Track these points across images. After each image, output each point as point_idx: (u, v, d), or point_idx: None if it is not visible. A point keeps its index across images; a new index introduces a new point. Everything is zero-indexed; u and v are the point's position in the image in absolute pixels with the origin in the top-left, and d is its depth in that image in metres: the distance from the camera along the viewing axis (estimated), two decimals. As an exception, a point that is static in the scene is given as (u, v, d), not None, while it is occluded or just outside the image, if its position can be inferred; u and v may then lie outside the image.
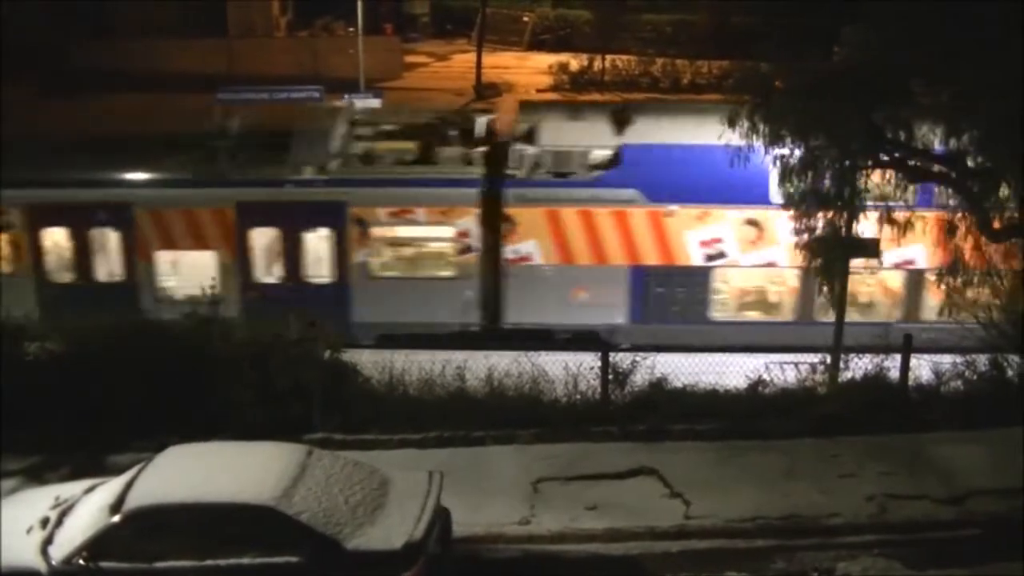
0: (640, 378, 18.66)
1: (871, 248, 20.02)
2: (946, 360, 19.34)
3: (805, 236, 19.26)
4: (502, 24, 56.28)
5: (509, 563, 15.23)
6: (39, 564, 13.19)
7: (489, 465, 17.30)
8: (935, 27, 16.81)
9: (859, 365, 19.06)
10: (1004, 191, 17.76)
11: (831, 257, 19.16)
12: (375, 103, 32.61)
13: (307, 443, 15.48)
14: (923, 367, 19.11)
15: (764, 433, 17.95)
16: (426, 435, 17.88)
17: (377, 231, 24.34)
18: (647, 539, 15.67)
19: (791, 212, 19.33)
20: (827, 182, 18.44)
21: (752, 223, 23.71)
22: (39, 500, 14.54)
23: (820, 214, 18.88)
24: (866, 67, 17.46)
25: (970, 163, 17.88)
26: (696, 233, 23.82)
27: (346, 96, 32.95)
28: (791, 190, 18.79)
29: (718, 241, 23.76)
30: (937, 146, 18.11)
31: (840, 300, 20.02)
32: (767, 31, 21.36)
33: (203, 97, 28.77)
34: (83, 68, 44.57)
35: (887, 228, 19.23)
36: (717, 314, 24.39)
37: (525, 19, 56.96)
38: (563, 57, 50.92)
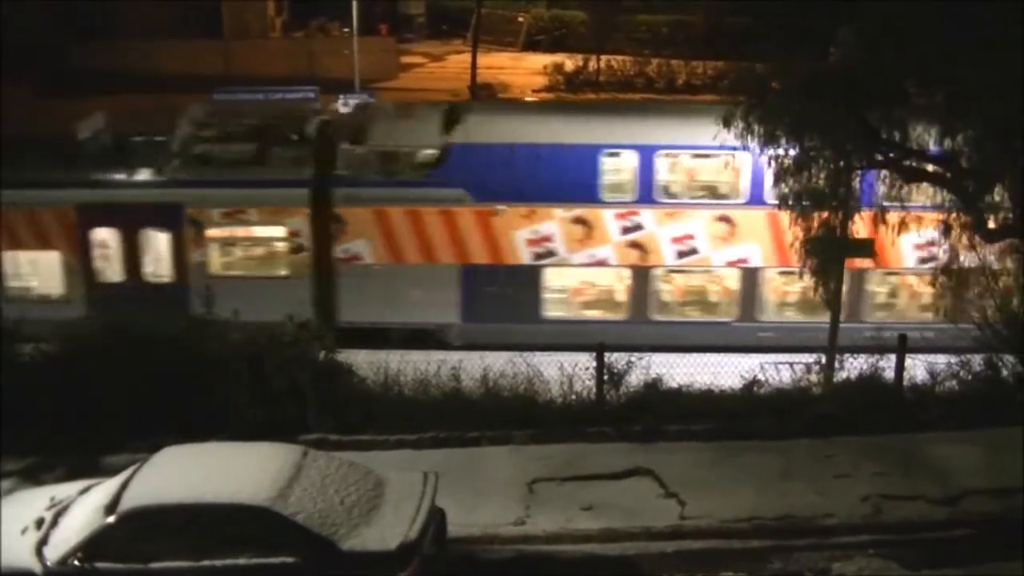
0: (635, 378, 18.65)
1: (866, 248, 20.01)
2: (941, 360, 19.36)
3: (800, 236, 19.24)
4: (497, 25, 56.33)
5: (504, 564, 15.22)
6: (34, 565, 13.18)
7: (484, 466, 17.29)
8: (930, 27, 16.80)
9: (854, 365, 19.08)
10: (999, 192, 17.79)
11: (826, 257, 19.13)
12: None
13: (303, 444, 15.48)
14: (918, 367, 19.11)
15: (759, 433, 17.96)
16: (421, 436, 17.87)
17: (212, 232, 24.47)
18: (643, 539, 15.68)
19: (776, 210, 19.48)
20: (822, 182, 18.41)
21: (580, 221, 23.78)
22: (34, 501, 14.53)
23: (815, 215, 18.83)
24: (861, 68, 17.47)
25: (964, 164, 17.88)
26: (524, 232, 23.91)
27: (341, 97, 32.94)
28: (786, 190, 18.78)
29: (547, 240, 23.85)
30: (932, 147, 18.13)
31: (835, 300, 20.01)
32: (763, 32, 21.44)
33: (198, 98, 28.73)
34: (77, 69, 44.56)
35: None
36: (551, 313, 24.44)
37: (520, 20, 57.00)
38: (558, 58, 51.02)
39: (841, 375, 19.18)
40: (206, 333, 18.60)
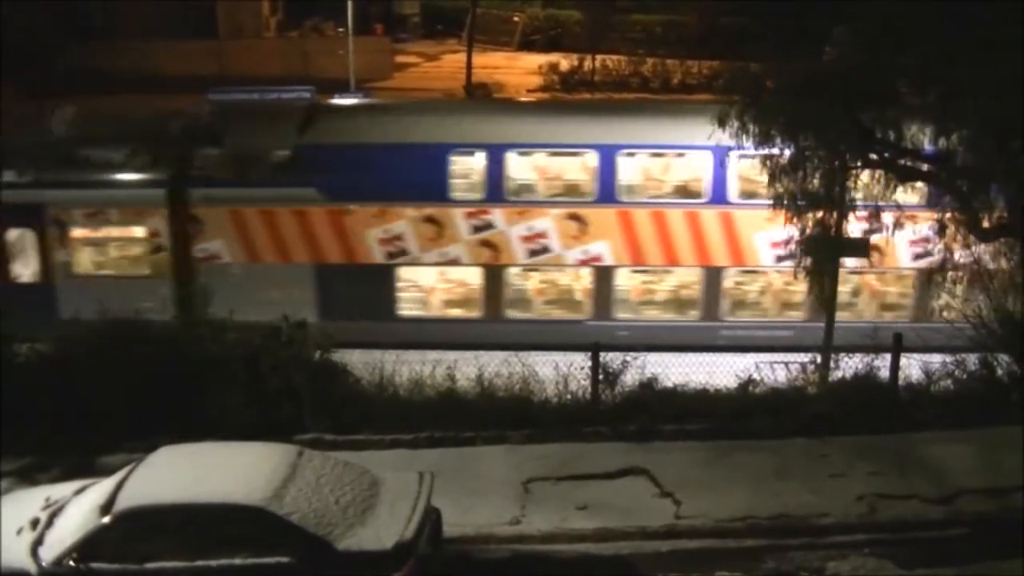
0: (631, 378, 18.67)
1: (861, 247, 20.03)
2: (936, 360, 19.38)
3: (795, 236, 19.28)
4: (492, 24, 56.39)
5: (500, 563, 15.22)
6: (29, 565, 13.16)
7: (480, 465, 17.30)
8: (924, 27, 16.83)
9: (849, 365, 19.10)
10: (993, 191, 17.82)
11: (821, 257, 19.16)
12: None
13: (298, 444, 15.48)
14: (913, 366, 19.14)
15: (754, 433, 17.97)
16: (417, 436, 17.88)
17: (77, 232, 24.60)
18: (638, 539, 15.68)
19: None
20: (816, 182, 18.43)
21: (431, 220, 23.92)
22: (30, 501, 14.51)
23: (809, 214, 18.86)
24: (856, 67, 17.49)
25: (959, 163, 17.90)
26: (376, 231, 24.05)
27: (336, 97, 32.90)
28: (781, 190, 18.81)
29: (398, 239, 24.03)
30: (927, 146, 18.16)
31: (831, 300, 20.04)
32: (757, 31, 21.51)
33: (192, 98, 28.74)
34: (72, 69, 44.45)
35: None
36: (406, 311, 24.57)
37: (515, 19, 57.07)
38: (553, 57, 51.06)
39: (836, 374, 19.20)
40: (201, 333, 18.60)
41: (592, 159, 23.71)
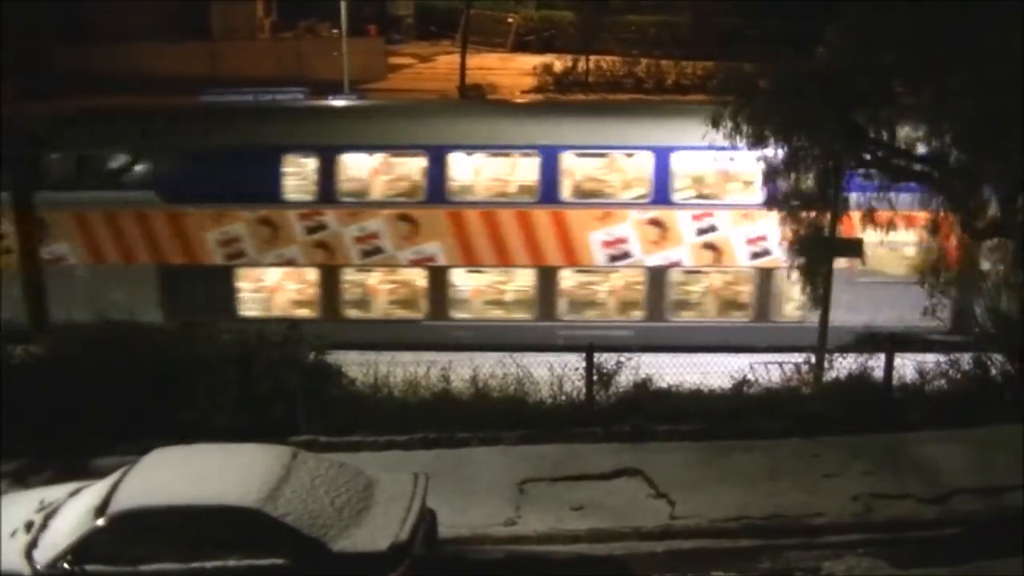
0: (625, 379, 18.68)
1: (855, 248, 20.05)
2: (930, 359, 19.40)
3: (790, 236, 19.30)
4: (486, 25, 56.32)
5: (495, 564, 15.23)
6: (24, 568, 13.16)
7: (474, 466, 17.30)
8: (918, 27, 16.86)
9: (843, 365, 19.11)
10: (987, 191, 17.85)
11: (814, 258, 19.17)
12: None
13: (292, 445, 15.49)
14: (907, 366, 19.15)
15: (749, 433, 17.97)
16: (411, 437, 17.88)
17: None
18: (633, 539, 15.70)
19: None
20: (810, 182, 18.45)
21: (266, 222, 24.04)
22: (24, 504, 14.50)
23: (803, 214, 18.88)
24: (849, 67, 17.50)
25: (953, 163, 17.93)
26: (215, 233, 24.16)
27: (329, 98, 32.88)
28: (774, 190, 18.84)
29: (236, 240, 24.13)
30: (921, 146, 18.18)
31: (825, 300, 20.05)
32: (751, 32, 21.54)
33: (185, 100, 28.74)
34: (66, 71, 44.41)
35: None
36: (248, 311, 24.63)
37: (509, 20, 57.04)
38: (547, 58, 51.02)
39: (831, 374, 19.21)
40: (195, 335, 18.58)
41: (422, 160, 23.89)
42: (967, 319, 21.55)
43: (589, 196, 23.65)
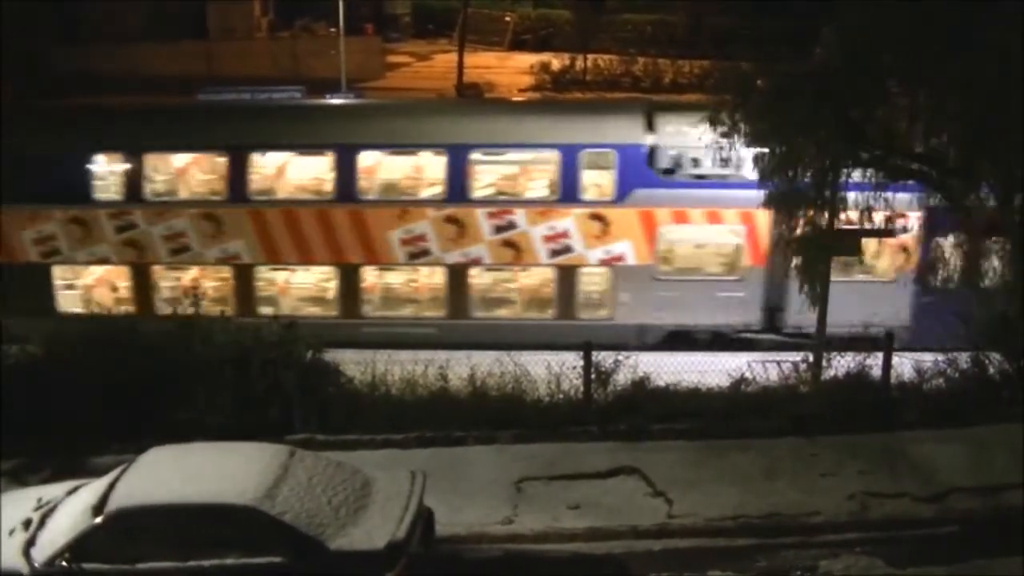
0: (623, 377, 18.67)
1: (852, 246, 20.03)
2: (928, 358, 19.42)
3: (787, 235, 19.28)
4: (483, 24, 56.39)
5: (492, 563, 15.23)
6: (21, 566, 13.16)
7: (471, 465, 17.29)
8: (915, 27, 16.86)
9: (841, 364, 19.11)
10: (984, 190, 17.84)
11: (811, 256, 19.14)
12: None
13: (289, 444, 15.48)
14: (905, 365, 19.16)
15: (746, 432, 17.97)
16: (408, 435, 17.87)
17: None
18: (630, 538, 15.69)
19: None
20: (807, 181, 18.44)
21: (78, 221, 24.36)
22: (22, 502, 14.50)
23: (800, 213, 18.86)
24: (846, 66, 17.50)
25: (951, 163, 17.93)
26: (30, 232, 24.49)
27: (327, 97, 32.88)
28: (772, 189, 18.82)
29: (52, 239, 24.50)
30: (918, 145, 18.18)
31: (822, 299, 20.04)
32: (748, 31, 21.55)
33: (182, 99, 28.80)
34: (63, 71, 44.40)
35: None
36: (66, 308, 24.83)
37: (507, 19, 57.10)
38: (544, 57, 51.09)
39: (829, 373, 19.20)
40: (192, 334, 18.58)
41: (223, 160, 24.14)
42: (779, 317, 22.89)
43: (388, 194, 24.05)
